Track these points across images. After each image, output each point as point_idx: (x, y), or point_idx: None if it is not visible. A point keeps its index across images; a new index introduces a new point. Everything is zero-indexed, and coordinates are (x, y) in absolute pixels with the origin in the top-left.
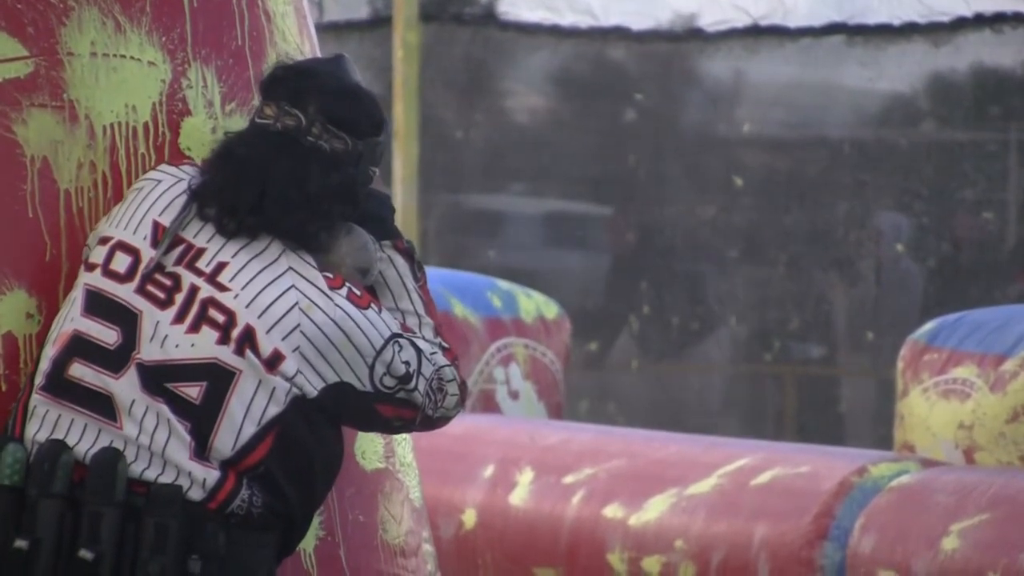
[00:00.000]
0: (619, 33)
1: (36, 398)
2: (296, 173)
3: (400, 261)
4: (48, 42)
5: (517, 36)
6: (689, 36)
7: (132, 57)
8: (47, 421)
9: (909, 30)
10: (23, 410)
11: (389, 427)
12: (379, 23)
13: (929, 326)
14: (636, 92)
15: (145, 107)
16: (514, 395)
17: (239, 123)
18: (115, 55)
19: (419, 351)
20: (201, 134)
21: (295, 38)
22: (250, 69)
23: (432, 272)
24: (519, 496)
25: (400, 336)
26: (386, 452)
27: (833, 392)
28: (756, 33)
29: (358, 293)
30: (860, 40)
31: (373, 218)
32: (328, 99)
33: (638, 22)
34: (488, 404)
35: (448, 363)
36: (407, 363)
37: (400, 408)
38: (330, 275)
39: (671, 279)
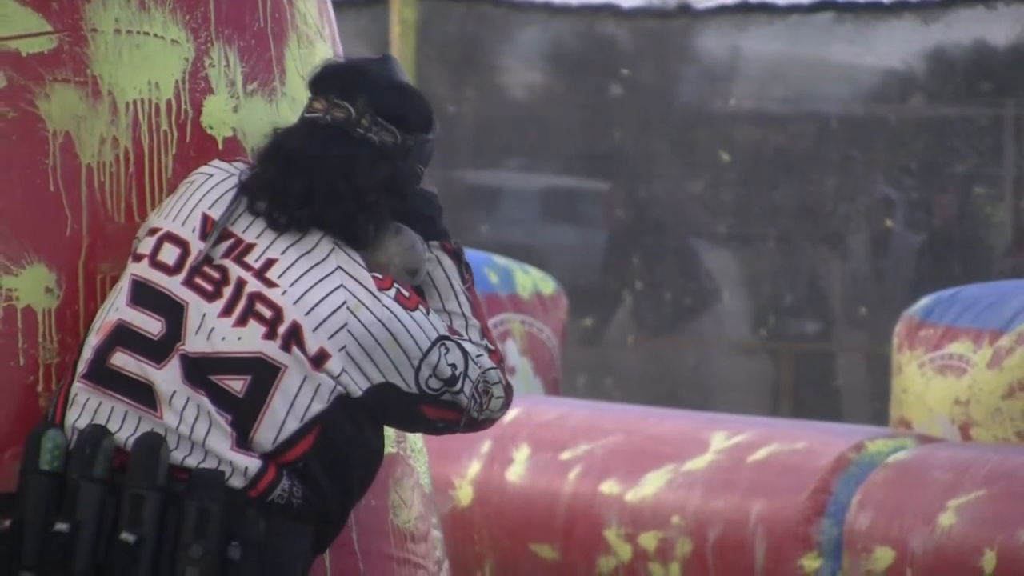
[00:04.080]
0: (609, 9)
1: (77, 386)
2: (344, 164)
3: (448, 262)
4: (72, 18)
5: (509, 12)
6: (678, 13)
7: (156, 35)
8: (88, 408)
9: (899, 7)
10: (64, 398)
11: (433, 428)
12: None
13: (924, 302)
14: (627, 68)
15: (168, 85)
16: (510, 371)
17: (260, 104)
18: (139, 32)
19: (466, 354)
20: (223, 113)
21: (315, 20)
22: (272, 50)
23: None
24: (516, 472)
25: (447, 338)
26: (397, 437)
27: (829, 368)
28: (746, 10)
29: (406, 294)
30: (849, 17)
31: (421, 218)
32: (378, 93)
33: None
34: None
35: (494, 366)
36: (453, 366)
37: (445, 410)
38: (379, 276)
39: (665, 255)
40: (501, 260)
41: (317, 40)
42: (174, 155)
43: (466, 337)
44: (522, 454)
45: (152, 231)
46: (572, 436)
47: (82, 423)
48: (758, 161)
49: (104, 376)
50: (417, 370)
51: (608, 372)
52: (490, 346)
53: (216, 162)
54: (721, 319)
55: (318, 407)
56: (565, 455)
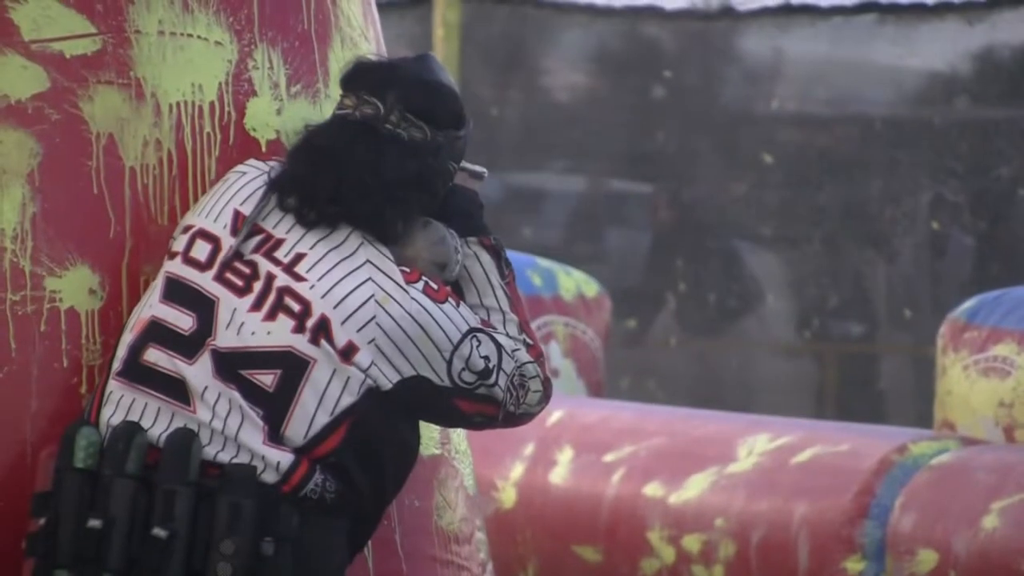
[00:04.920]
0: (652, 11)
1: (112, 383)
2: (373, 160)
3: (486, 257)
4: (116, 20)
5: (553, 14)
6: (721, 14)
7: (199, 36)
8: (122, 405)
9: (943, 9)
10: (100, 396)
11: (471, 423)
12: (419, 1)
13: (969, 304)
14: (670, 70)
15: (211, 87)
16: (553, 373)
17: (303, 106)
18: (182, 34)
19: (499, 346)
20: (266, 115)
21: (359, 22)
22: (315, 52)
23: None
24: (559, 474)
25: (479, 331)
26: (442, 439)
27: (873, 370)
28: (788, 11)
29: (435, 287)
30: (892, 18)
31: (459, 214)
32: (407, 89)
33: (671, 1)
34: None
35: (531, 360)
36: (486, 358)
37: (480, 404)
38: (407, 269)
39: (709, 257)
40: (544, 262)
41: (361, 41)
42: (217, 157)
43: (501, 331)
44: (565, 456)
45: (186, 228)
46: (616, 438)
47: (116, 420)
48: (802, 163)
49: (138, 373)
50: (449, 363)
51: (652, 374)
52: (528, 341)
53: (251, 161)
54: (765, 321)
55: (348, 400)
56: (609, 457)
